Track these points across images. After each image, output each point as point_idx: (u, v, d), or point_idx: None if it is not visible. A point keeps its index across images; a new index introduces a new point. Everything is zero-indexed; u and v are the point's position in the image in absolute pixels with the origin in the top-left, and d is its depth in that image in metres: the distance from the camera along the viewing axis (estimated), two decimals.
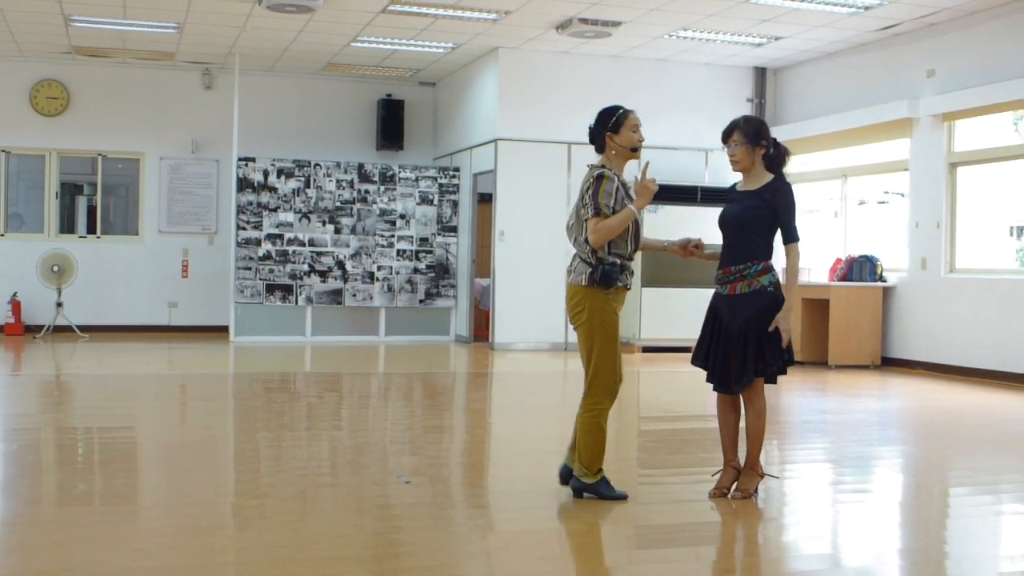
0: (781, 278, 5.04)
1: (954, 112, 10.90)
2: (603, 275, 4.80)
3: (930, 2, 10.27)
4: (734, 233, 5.04)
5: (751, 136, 5.01)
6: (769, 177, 5.03)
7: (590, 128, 5.02)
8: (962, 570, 4.24)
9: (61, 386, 9.68)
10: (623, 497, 4.93)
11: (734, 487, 5.07)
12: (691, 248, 5.19)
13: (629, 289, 4.93)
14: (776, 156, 5.06)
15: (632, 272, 4.96)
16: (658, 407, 9.13)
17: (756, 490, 5.06)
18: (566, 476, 5.04)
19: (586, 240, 4.85)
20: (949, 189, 11.07)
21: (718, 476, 5.16)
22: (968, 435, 7.56)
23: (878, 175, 12.51)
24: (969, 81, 10.71)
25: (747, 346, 4.92)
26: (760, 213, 4.97)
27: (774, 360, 4.93)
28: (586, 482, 4.91)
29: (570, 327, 5.10)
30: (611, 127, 4.92)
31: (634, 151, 4.96)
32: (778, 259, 4.98)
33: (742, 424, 5.14)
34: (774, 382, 5.04)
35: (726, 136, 5.08)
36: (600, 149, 5.00)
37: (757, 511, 4.96)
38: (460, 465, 6.34)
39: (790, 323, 4.94)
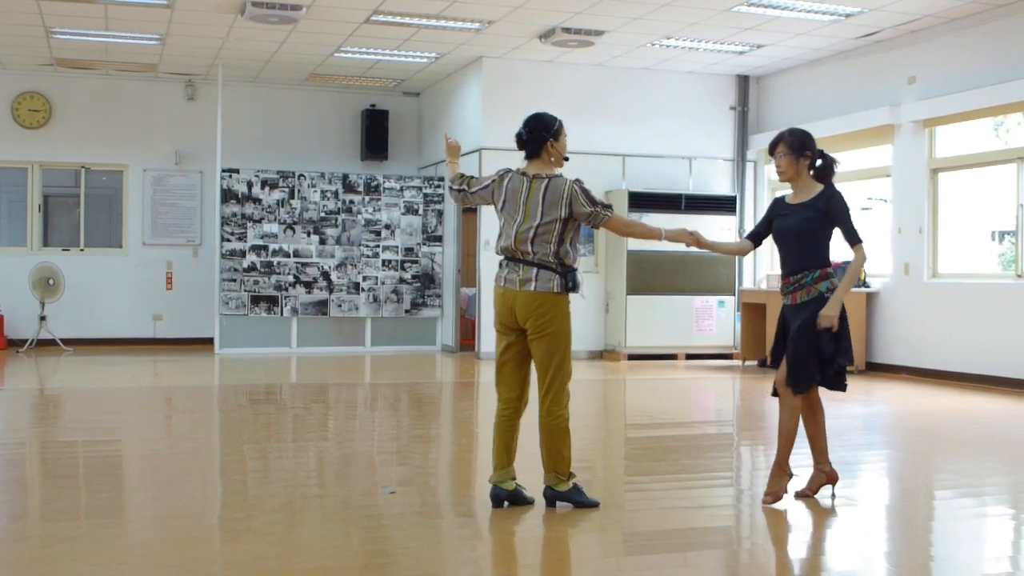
0: None
1: (935, 118, 10.99)
2: (574, 281, 4.87)
3: (911, 9, 10.35)
4: (793, 245, 5.17)
5: (795, 147, 5.14)
6: (819, 187, 5.16)
7: (524, 133, 4.95)
8: (948, 573, 4.27)
9: (45, 400, 9.63)
10: (596, 504, 4.94)
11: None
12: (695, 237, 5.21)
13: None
14: (825, 167, 5.20)
15: None
16: (643, 414, 9.14)
17: (786, 489, 5.23)
18: (505, 497, 4.96)
19: (556, 252, 4.83)
20: (931, 195, 11.15)
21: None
22: (952, 438, 7.60)
23: (861, 181, 12.58)
24: (950, 87, 10.79)
25: (797, 350, 5.12)
26: (815, 223, 5.12)
27: (825, 363, 5.16)
28: (561, 490, 4.91)
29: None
30: (554, 133, 4.96)
31: (565, 159, 5.04)
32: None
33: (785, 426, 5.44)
34: (841, 388, 5.33)
35: (772, 147, 5.24)
36: (535, 154, 4.96)
37: (749, 517, 4.96)
38: (447, 474, 6.34)
39: (833, 311, 5.04)
